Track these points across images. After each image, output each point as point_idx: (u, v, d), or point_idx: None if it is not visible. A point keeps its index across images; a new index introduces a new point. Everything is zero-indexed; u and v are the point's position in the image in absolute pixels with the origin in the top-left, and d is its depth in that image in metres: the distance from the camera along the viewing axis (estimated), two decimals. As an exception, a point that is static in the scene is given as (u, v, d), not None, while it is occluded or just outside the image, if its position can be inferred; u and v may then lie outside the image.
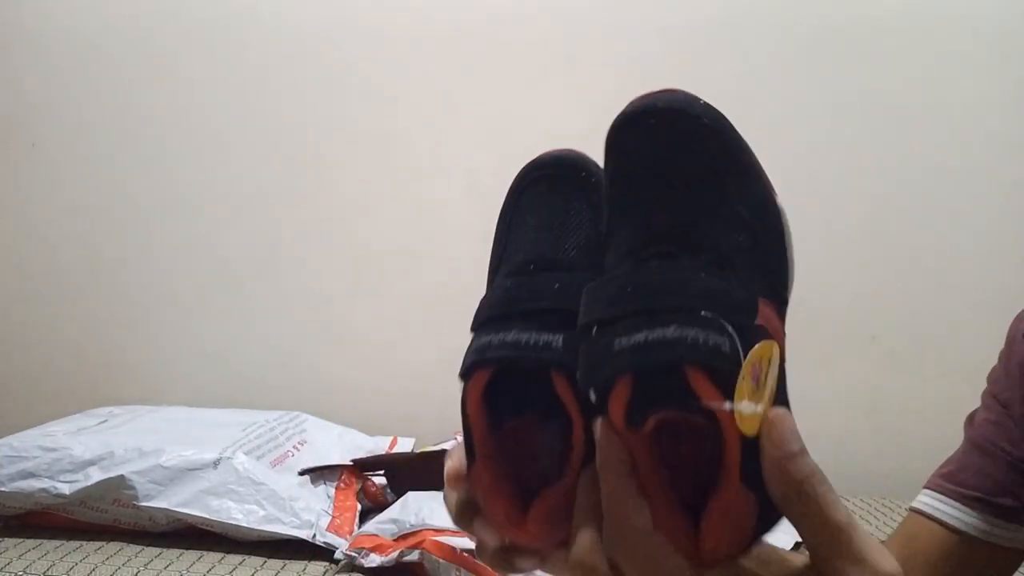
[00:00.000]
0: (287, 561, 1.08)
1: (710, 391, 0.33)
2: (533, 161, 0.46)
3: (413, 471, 1.31)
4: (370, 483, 1.31)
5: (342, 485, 1.26)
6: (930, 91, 1.65)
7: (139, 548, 1.10)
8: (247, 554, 1.09)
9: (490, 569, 0.96)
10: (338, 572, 1.06)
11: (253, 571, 1.04)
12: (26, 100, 1.80)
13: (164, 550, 1.09)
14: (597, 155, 0.43)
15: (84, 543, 1.10)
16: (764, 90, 1.67)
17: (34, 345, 1.82)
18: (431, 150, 1.73)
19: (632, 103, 0.39)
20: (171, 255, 1.78)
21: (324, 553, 1.10)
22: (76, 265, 1.80)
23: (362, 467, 1.31)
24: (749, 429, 0.33)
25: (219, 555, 1.08)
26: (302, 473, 1.25)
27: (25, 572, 1.01)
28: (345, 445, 1.43)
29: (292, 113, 1.75)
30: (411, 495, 1.16)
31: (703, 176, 0.39)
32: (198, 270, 1.78)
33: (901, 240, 1.65)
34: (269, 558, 1.08)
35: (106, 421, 1.38)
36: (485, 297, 0.43)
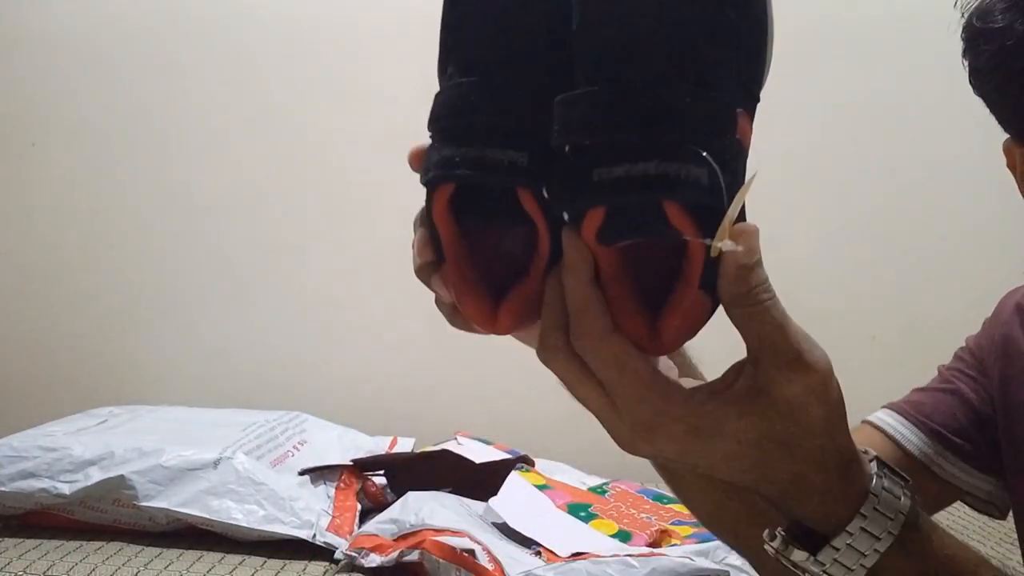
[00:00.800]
0: (287, 561, 1.08)
1: (687, 224, 0.34)
2: None
3: (413, 471, 1.31)
4: (370, 483, 1.31)
5: (342, 485, 1.26)
6: (930, 91, 1.65)
7: (139, 548, 1.10)
8: (247, 554, 1.09)
9: (491, 570, 0.96)
10: (338, 572, 1.06)
11: (253, 571, 1.05)
12: (26, 100, 1.80)
13: (164, 550, 1.09)
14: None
15: (84, 543, 1.10)
16: (770, 86, 1.67)
17: (34, 345, 1.82)
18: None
19: None
20: (171, 255, 1.78)
21: (324, 553, 1.10)
22: (76, 265, 1.80)
23: (362, 467, 1.31)
24: (715, 245, 0.35)
25: (219, 555, 1.08)
26: (302, 473, 1.25)
27: (25, 572, 1.01)
28: (345, 445, 1.43)
29: (293, 113, 1.75)
30: (411, 495, 1.16)
31: None
32: (198, 270, 1.78)
33: (901, 240, 1.65)
34: (269, 558, 1.08)
35: (106, 421, 1.38)
36: (442, 94, 0.40)
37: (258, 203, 1.76)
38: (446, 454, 1.31)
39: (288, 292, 1.76)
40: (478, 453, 1.31)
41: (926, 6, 1.64)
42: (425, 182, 0.39)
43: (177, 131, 1.77)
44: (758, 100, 0.39)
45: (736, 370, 0.39)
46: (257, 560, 1.07)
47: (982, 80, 0.62)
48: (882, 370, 1.68)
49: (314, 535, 1.11)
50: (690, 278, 0.36)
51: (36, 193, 1.81)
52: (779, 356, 0.38)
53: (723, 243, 0.35)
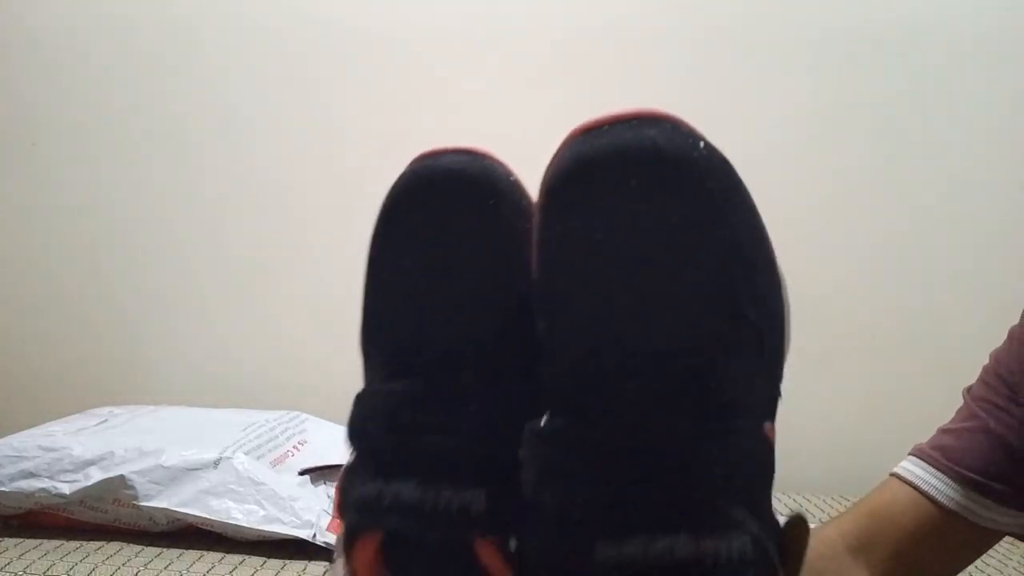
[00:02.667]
0: (287, 561, 1.08)
1: None
2: (415, 170, 0.31)
3: (413, 471, 1.31)
4: (370, 483, 1.31)
5: (342, 485, 1.26)
6: (930, 94, 1.65)
7: (139, 548, 1.10)
8: (247, 554, 1.09)
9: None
10: (338, 572, 1.06)
11: (253, 571, 1.04)
12: (26, 100, 1.80)
13: (164, 550, 1.09)
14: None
15: (84, 543, 1.10)
16: (762, 93, 1.67)
17: (34, 345, 1.82)
18: (431, 150, 1.73)
19: (585, 136, 0.25)
20: (171, 255, 1.78)
21: (324, 553, 1.10)
22: (76, 265, 1.80)
23: (362, 467, 1.31)
24: None
25: (219, 555, 1.08)
26: (302, 473, 1.25)
27: (25, 572, 1.01)
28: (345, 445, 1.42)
29: (293, 113, 1.75)
30: (411, 495, 1.15)
31: (704, 262, 0.25)
32: (198, 270, 1.78)
33: (901, 240, 1.65)
34: (269, 558, 1.08)
35: (106, 421, 1.38)
36: (363, 399, 0.31)
37: (259, 203, 1.76)
38: None
39: (288, 292, 1.76)
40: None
41: (925, 10, 1.64)
42: (344, 533, 0.29)
43: (177, 131, 1.77)
44: (780, 396, 0.30)
45: None
46: (257, 560, 1.07)
47: None
48: (882, 370, 1.68)
49: (314, 535, 1.11)
50: None
51: (36, 193, 1.81)
52: None
53: None
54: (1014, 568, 1.19)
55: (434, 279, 0.28)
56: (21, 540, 1.11)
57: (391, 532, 0.28)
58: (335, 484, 1.32)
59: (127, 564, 1.04)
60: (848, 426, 1.60)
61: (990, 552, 1.22)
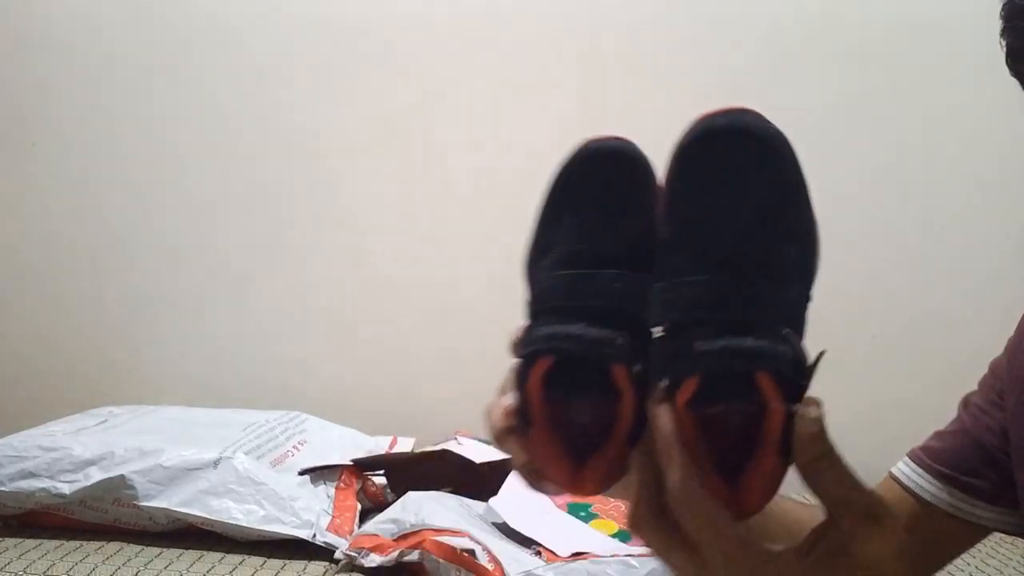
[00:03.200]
0: (287, 561, 1.08)
1: (774, 393, 0.39)
2: (587, 147, 0.47)
3: (413, 471, 1.31)
4: (370, 483, 1.31)
5: (342, 485, 1.26)
6: (931, 93, 1.65)
7: (139, 548, 1.10)
8: (247, 554, 1.09)
9: (491, 570, 0.96)
10: (338, 572, 1.06)
11: (253, 571, 1.05)
12: (26, 100, 1.80)
13: (164, 550, 1.09)
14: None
15: (84, 543, 1.10)
16: (762, 89, 1.67)
17: (34, 345, 1.82)
18: (432, 150, 1.73)
19: (707, 119, 0.42)
20: (171, 255, 1.78)
21: (324, 553, 1.10)
22: (76, 265, 1.80)
23: (362, 467, 1.31)
24: (802, 412, 0.40)
25: (219, 555, 1.08)
26: (302, 473, 1.25)
27: (25, 572, 1.01)
28: (345, 445, 1.43)
29: (292, 113, 1.75)
30: (411, 495, 1.16)
31: (772, 201, 0.42)
32: (198, 270, 1.78)
33: (902, 240, 1.65)
34: (269, 558, 1.08)
35: (106, 421, 1.38)
36: (538, 282, 0.46)
37: (259, 203, 1.76)
38: (446, 454, 1.31)
39: (288, 292, 1.76)
40: (478, 453, 1.31)
41: (926, 9, 1.64)
42: (525, 354, 0.43)
43: (177, 131, 1.77)
44: (811, 300, 0.45)
45: (817, 532, 0.42)
46: (257, 560, 1.07)
47: (1020, 60, 0.63)
48: (882, 370, 1.68)
49: (314, 535, 1.11)
50: (769, 443, 0.40)
51: (36, 193, 1.81)
52: (853, 514, 0.41)
53: (803, 408, 0.40)
54: (1015, 568, 1.19)
55: (598, 210, 0.45)
56: (21, 540, 1.11)
57: (559, 353, 0.42)
58: (335, 485, 1.30)
59: (127, 564, 1.04)
60: (848, 426, 1.59)
61: (991, 553, 1.23)
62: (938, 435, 0.74)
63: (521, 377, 0.43)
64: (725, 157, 0.42)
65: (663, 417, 0.40)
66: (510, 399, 0.44)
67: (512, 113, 1.70)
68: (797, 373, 0.40)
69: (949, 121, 1.65)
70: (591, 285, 0.43)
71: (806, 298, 0.43)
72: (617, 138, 0.46)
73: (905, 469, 0.73)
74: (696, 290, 0.40)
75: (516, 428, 0.44)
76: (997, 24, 0.61)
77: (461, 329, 1.71)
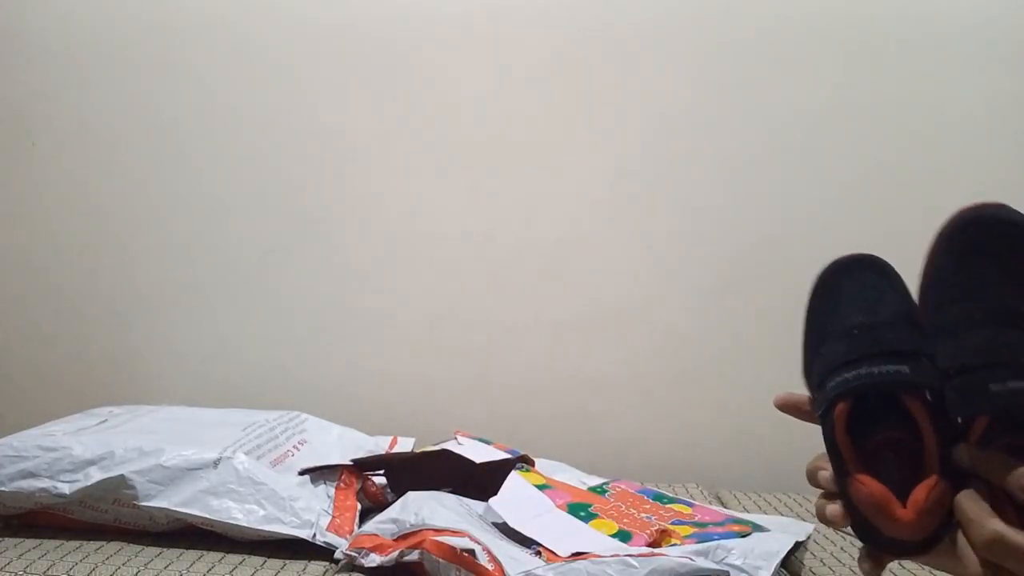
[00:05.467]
0: (287, 561, 1.08)
1: None
2: (839, 260, 0.56)
3: (413, 471, 1.31)
4: (370, 483, 1.31)
5: (342, 485, 1.26)
6: (932, 92, 1.65)
7: (139, 548, 1.10)
8: (247, 554, 1.09)
9: (491, 570, 0.96)
10: (338, 572, 1.06)
11: (253, 571, 1.04)
12: (26, 100, 1.80)
13: (164, 550, 1.09)
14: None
15: (84, 543, 1.10)
16: (765, 90, 1.67)
17: (34, 345, 1.82)
18: (431, 151, 1.73)
19: (976, 210, 0.52)
20: (171, 255, 1.78)
21: (324, 553, 1.10)
22: (76, 265, 1.80)
23: (362, 467, 1.31)
24: None
25: (219, 555, 1.08)
26: (302, 473, 1.25)
27: (25, 572, 1.00)
28: (345, 445, 1.43)
29: (293, 113, 1.75)
30: (411, 495, 1.16)
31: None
32: (198, 270, 1.78)
33: (902, 240, 1.64)
34: (269, 558, 1.08)
35: (106, 421, 1.38)
36: (821, 356, 0.52)
37: (260, 203, 1.76)
38: (446, 454, 1.31)
39: (288, 292, 1.76)
40: (478, 453, 1.31)
41: (927, 8, 1.64)
42: (822, 410, 0.49)
43: (177, 131, 1.77)
44: None
45: None
46: (257, 560, 1.07)
47: None
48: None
49: (314, 535, 1.11)
50: None
51: (36, 193, 1.81)
52: None
53: None
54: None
55: (860, 299, 0.54)
56: (21, 540, 1.11)
57: (851, 393, 0.48)
58: (335, 485, 1.30)
59: (127, 564, 1.04)
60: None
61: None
62: None
63: (828, 431, 0.49)
64: (987, 238, 0.51)
65: (977, 459, 0.45)
66: (824, 462, 0.50)
67: (513, 114, 1.70)
68: None
69: (952, 121, 1.65)
70: (870, 335, 0.50)
71: None
72: (863, 253, 0.56)
73: None
74: (982, 338, 0.47)
75: (837, 482, 0.49)
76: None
77: (462, 329, 1.71)
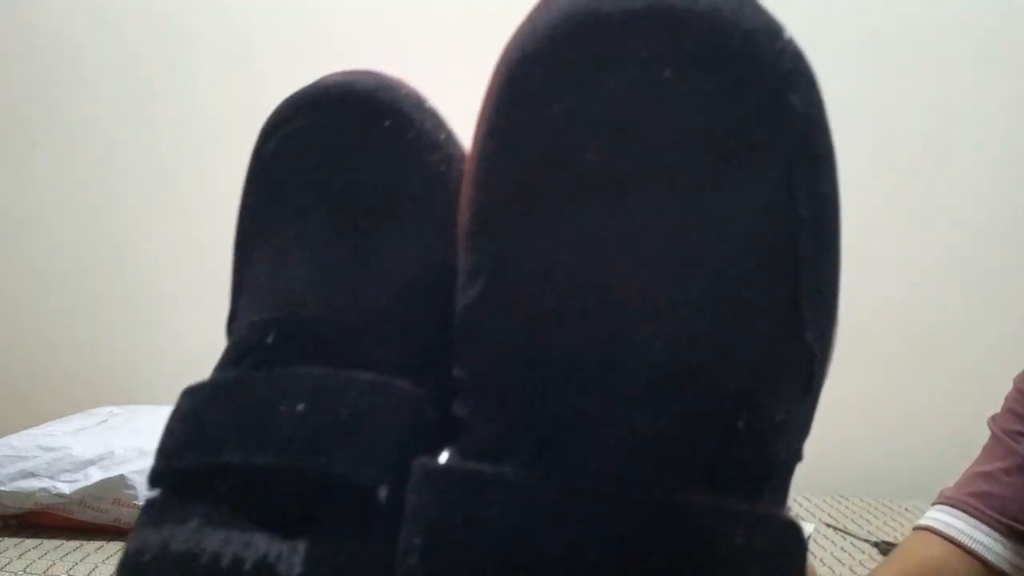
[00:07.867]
0: (287, 561, 1.08)
1: None
2: (300, 96, 0.21)
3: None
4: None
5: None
6: (932, 92, 1.65)
7: (139, 548, 1.10)
8: (247, 554, 1.09)
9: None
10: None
11: (253, 571, 1.04)
12: (26, 100, 1.80)
13: (164, 550, 1.09)
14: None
15: (84, 543, 1.10)
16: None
17: (34, 345, 1.82)
18: (431, 150, 1.73)
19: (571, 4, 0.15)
20: (171, 255, 1.78)
21: (324, 553, 1.10)
22: (76, 265, 1.80)
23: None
24: None
25: (219, 555, 1.08)
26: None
27: (25, 572, 1.00)
28: (345, 445, 1.42)
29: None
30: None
31: (757, 208, 0.16)
32: (199, 269, 1.78)
33: (902, 240, 1.65)
34: (269, 558, 1.08)
35: (106, 421, 1.38)
36: (187, 398, 0.22)
37: (258, 203, 1.76)
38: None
39: (288, 292, 1.76)
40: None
41: (928, 8, 1.64)
42: None
43: (178, 131, 1.77)
44: None
45: None
46: (257, 560, 1.07)
47: None
48: (882, 370, 1.68)
49: (314, 535, 1.11)
50: None
51: (36, 193, 1.81)
52: None
53: None
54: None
55: (310, 233, 0.19)
56: (21, 540, 1.11)
57: None
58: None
59: (127, 564, 1.04)
60: (849, 426, 1.60)
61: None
62: (988, 478, 0.59)
63: None
64: (619, 88, 0.23)
65: None
66: None
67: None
68: None
69: (952, 121, 1.65)
70: (248, 408, 0.29)
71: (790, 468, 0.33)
72: (357, 71, 0.22)
73: (958, 524, 0.58)
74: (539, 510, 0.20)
75: None
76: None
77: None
